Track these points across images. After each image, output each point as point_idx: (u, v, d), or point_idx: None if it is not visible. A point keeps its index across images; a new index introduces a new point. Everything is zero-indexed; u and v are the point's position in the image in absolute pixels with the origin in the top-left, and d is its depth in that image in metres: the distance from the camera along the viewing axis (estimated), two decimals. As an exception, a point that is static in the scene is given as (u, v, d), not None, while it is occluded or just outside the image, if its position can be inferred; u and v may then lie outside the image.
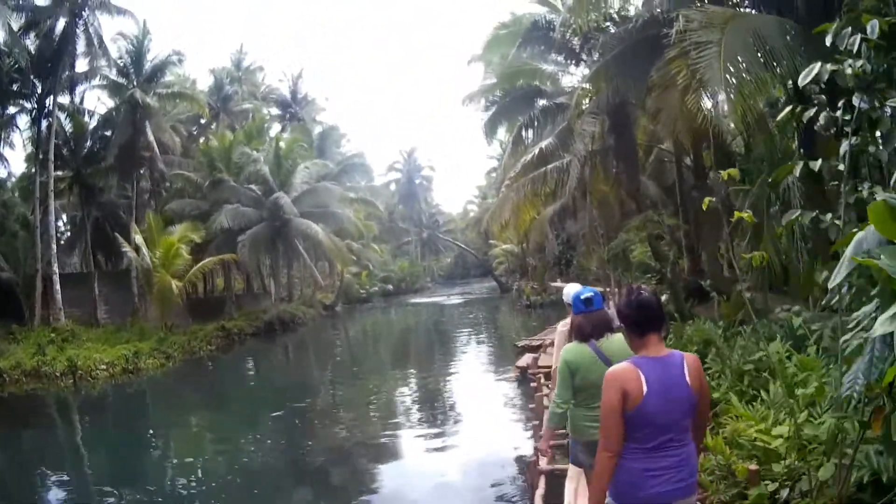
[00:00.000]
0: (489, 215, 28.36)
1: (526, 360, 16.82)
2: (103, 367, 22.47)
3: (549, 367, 8.97)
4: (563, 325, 5.98)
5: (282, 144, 39.84)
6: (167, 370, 24.05)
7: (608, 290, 22.67)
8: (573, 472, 6.54)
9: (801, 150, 14.04)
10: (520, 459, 10.49)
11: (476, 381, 19.19)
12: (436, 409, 16.19)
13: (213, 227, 32.54)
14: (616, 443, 3.30)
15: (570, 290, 5.82)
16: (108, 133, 33.02)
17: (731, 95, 9.64)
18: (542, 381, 12.45)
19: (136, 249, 27.42)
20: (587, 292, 4.95)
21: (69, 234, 39.14)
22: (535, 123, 23.65)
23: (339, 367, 25.58)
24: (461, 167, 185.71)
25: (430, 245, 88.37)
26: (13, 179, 34.37)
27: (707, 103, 15.64)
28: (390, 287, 64.97)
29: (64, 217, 38.78)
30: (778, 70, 9.63)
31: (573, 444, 5.10)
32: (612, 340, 4.69)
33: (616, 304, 4.33)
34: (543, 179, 21.15)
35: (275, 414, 16.74)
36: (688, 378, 3.34)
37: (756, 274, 12.35)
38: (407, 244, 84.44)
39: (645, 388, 3.24)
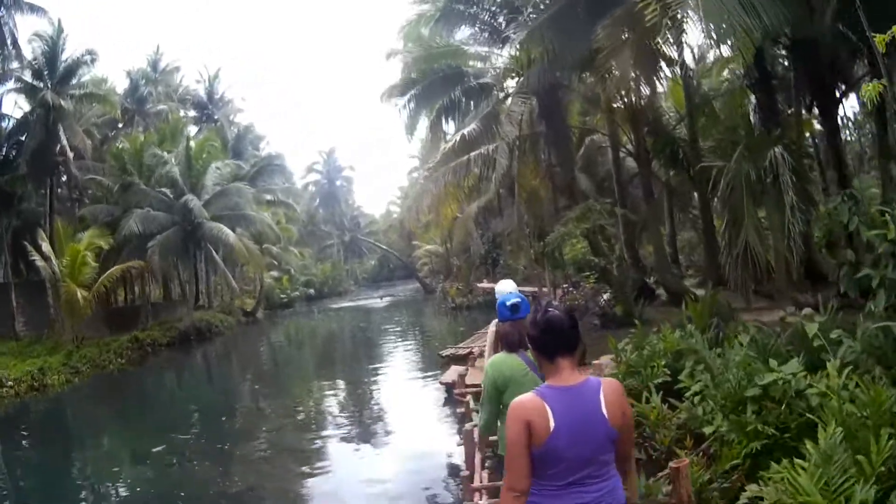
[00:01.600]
0: (407, 209, 26.79)
1: (452, 374, 14.27)
2: (10, 383, 20.96)
3: (479, 386, 8.24)
4: (493, 326, 5.56)
5: (192, 144, 38.36)
6: (74, 386, 22.61)
7: (541, 290, 21.47)
8: None
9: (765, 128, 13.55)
10: (454, 469, 9.88)
11: (404, 390, 18.01)
12: (363, 420, 15.37)
13: (123, 232, 30.95)
14: (522, 481, 2.94)
15: (503, 287, 5.50)
16: (24, 138, 31.47)
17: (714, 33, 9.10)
18: (471, 404, 10.08)
19: (46, 259, 25.83)
20: (513, 298, 4.62)
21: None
22: (457, 107, 22.16)
23: (255, 379, 24.39)
24: (383, 168, 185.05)
25: (352, 248, 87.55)
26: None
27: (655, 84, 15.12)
28: (312, 291, 63.76)
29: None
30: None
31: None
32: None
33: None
34: (466, 169, 19.65)
35: (177, 436, 15.15)
36: (604, 410, 2.96)
37: (735, 267, 11.81)
38: (329, 247, 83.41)
39: (552, 424, 2.90)
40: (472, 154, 19.02)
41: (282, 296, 56.50)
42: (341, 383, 21.29)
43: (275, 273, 58.84)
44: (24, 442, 16.39)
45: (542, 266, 25.78)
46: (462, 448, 8.38)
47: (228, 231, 34.27)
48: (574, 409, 2.93)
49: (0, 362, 22.37)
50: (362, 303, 58.34)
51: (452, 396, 13.59)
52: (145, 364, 27.95)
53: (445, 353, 18.74)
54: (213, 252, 36.77)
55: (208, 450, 13.74)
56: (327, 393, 19.85)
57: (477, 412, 8.82)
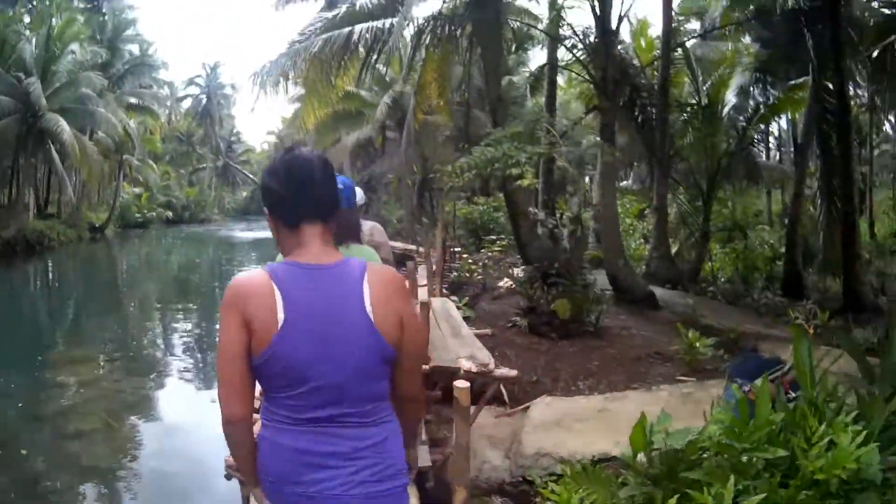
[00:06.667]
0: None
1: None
2: None
3: None
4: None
5: (55, 23, 32.33)
6: None
7: (419, 250, 17.60)
8: None
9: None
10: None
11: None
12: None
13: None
14: (235, 404, 1.99)
15: None
16: None
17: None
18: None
19: None
20: None
21: None
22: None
23: (80, 307, 20.46)
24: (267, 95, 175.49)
25: (226, 175, 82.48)
26: None
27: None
28: (170, 214, 58.37)
29: None
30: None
31: None
32: (354, 251, 3.40)
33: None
34: (346, 48, 13.45)
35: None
36: (369, 307, 1.98)
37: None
38: (201, 170, 77.84)
39: (281, 315, 1.94)
40: (359, 27, 13.29)
41: (137, 214, 50.97)
42: (176, 322, 17.65)
43: (137, 189, 53.58)
44: None
45: (424, 222, 22.81)
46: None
47: (65, 126, 28.72)
48: (321, 299, 1.97)
49: None
50: (224, 234, 53.81)
51: None
52: None
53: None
54: (53, 151, 31.40)
55: None
56: (147, 331, 16.68)
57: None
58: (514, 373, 6.00)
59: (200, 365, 12.65)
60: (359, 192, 4.08)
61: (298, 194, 2.06)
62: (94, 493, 7.14)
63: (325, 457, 1.99)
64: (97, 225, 41.04)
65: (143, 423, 9.23)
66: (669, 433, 3.62)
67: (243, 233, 53.42)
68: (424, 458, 4.83)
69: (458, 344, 6.46)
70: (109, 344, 14.64)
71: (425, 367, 4.95)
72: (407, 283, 5.57)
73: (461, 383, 3.64)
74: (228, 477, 4.05)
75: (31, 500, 6.89)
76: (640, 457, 3.63)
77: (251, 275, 2.03)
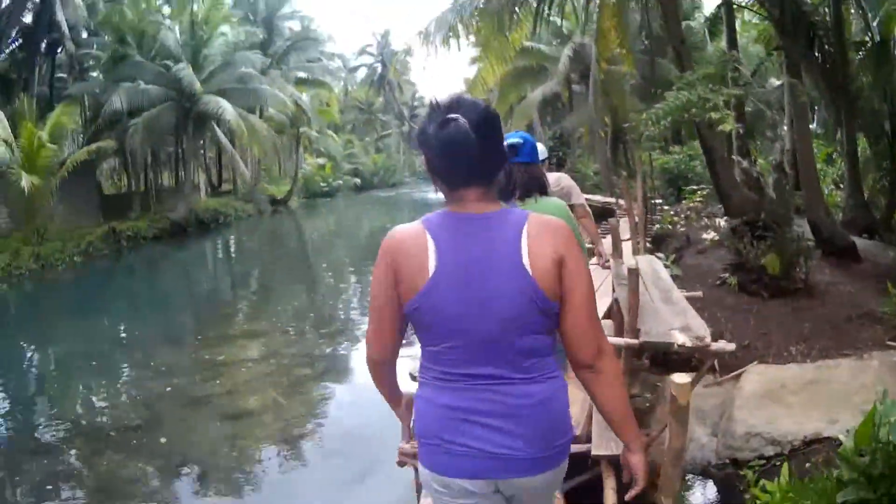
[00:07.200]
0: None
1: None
2: None
3: None
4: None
5: (196, 8, 32.91)
6: (1, 294, 18.14)
7: (619, 203, 16.59)
8: None
9: None
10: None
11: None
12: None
13: (105, 109, 26.59)
14: (378, 346, 2.07)
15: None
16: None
17: None
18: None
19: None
20: (512, 137, 3.78)
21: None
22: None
23: (251, 280, 20.28)
24: (447, 55, 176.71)
25: (412, 139, 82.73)
26: None
27: None
28: (358, 181, 59.65)
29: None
30: None
31: None
32: (542, 205, 3.63)
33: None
34: None
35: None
36: (525, 257, 1.90)
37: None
38: (387, 136, 79.47)
39: (432, 264, 1.92)
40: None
41: (322, 184, 52.31)
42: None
43: (320, 160, 55.32)
44: None
45: (621, 174, 21.83)
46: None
47: (227, 106, 28.92)
48: (474, 249, 1.93)
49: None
50: (418, 196, 53.39)
51: None
52: (121, 260, 23.51)
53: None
54: (218, 132, 32.06)
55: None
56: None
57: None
58: (731, 346, 5.14)
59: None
60: (541, 146, 4.22)
61: (454, 165, 1.97)
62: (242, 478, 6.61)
63: (483, 415, 1.94)
64: (279, 198, 42.07)
65: (315, 401, 8.67)
66: (892, 423, 3.26)
67: (438, 193, 53.13)
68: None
69: (670, 312, 5.69)
70: (285, 316, 14.11)
71: (634, 342, 4.77)
72: (610, 239, 6.10)
73: (680, 378, 2.88)
74: (401, 464, 4.04)
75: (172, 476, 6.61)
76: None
77: (407, 225, 2.04)
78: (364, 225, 36.50)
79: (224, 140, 32.63)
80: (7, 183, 21.19)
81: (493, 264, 1.89)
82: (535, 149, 3.90)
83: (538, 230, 1.92)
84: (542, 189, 3.85)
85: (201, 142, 34.35)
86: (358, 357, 9.98)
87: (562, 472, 2.07)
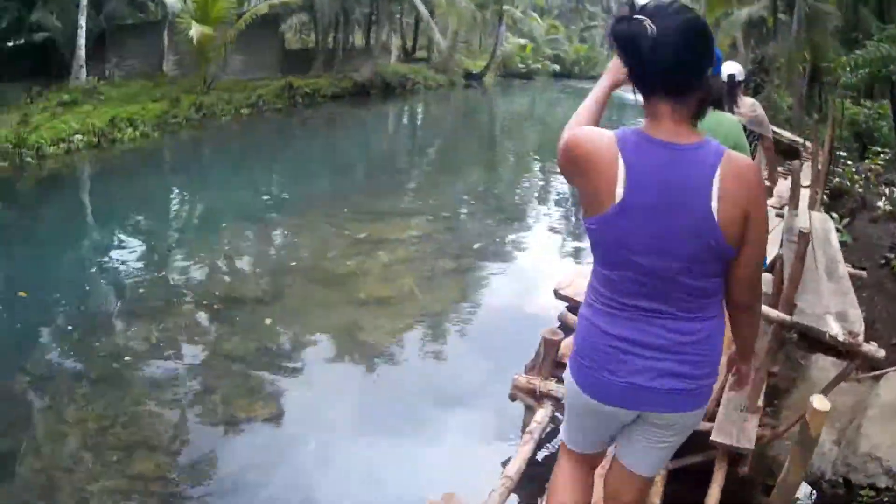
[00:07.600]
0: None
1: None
2: (80, 137, 15.61)
3: None
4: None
5: None
6: (152, 143, 17.12)
7: (803, 143, 15.07)
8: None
9: None
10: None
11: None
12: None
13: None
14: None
15: None
16: None
17: None
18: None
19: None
20: None
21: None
22: None
23: (424, 153, 19.21)
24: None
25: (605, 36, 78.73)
26: None
27: None
28: (557, 67, 56.74)
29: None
30: None
31: None
32: (716, 118, 3.55)
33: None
34: None
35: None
36: (714, 200, 1.81)
37: None
38: (593, 27, 75.31)
39: (621, 188, 1.83)
40: None
41: (521, 65, 49.63)
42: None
43: (521, 41, 53.17)
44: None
45: (813, 115, 19.50)
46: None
47: None
48: (665, 182, 1.83)
49: (91, 112, 16.97)
50: (616, 92, 51.10)
51: None
52: (294, 116, 22.51)
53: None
54: (417, -1, 29.88)
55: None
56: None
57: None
58: (881, 353, 4.42)
59: (560, 233, 11.01)
60: (737, 66, 4.67)
61: (644, 71, 1.86)
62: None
63: (647, 347, 1.94)
64: (474, 72, 40.22)
65: (455, 294, 8.12)
66: None
67: (638, 95, 50.67)
68: (749, 434, 4.00)
69: (830, 290, 5.12)
70: (449, 198, 13.09)
71: (787, 318, 4.23)
72: (790, 182, 6.45)
73: (821, 403, 2.49)
74: (513, 398, 4.17)
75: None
76: None
77: (598, 134, 1.91)
78: (558, 112, 33.72)
79: (421, 7, 30.93)
80: (176, 30, 20.60)
81: (682, 204, 1.81)
82: (718, 60, 3.89)
83: (731, 175, 1.81)
84: (717, 103, 3.76)
85: (398, 6, 32.81)
86: (513, 267, 9.28)
87: (703, 413, 2.10)
